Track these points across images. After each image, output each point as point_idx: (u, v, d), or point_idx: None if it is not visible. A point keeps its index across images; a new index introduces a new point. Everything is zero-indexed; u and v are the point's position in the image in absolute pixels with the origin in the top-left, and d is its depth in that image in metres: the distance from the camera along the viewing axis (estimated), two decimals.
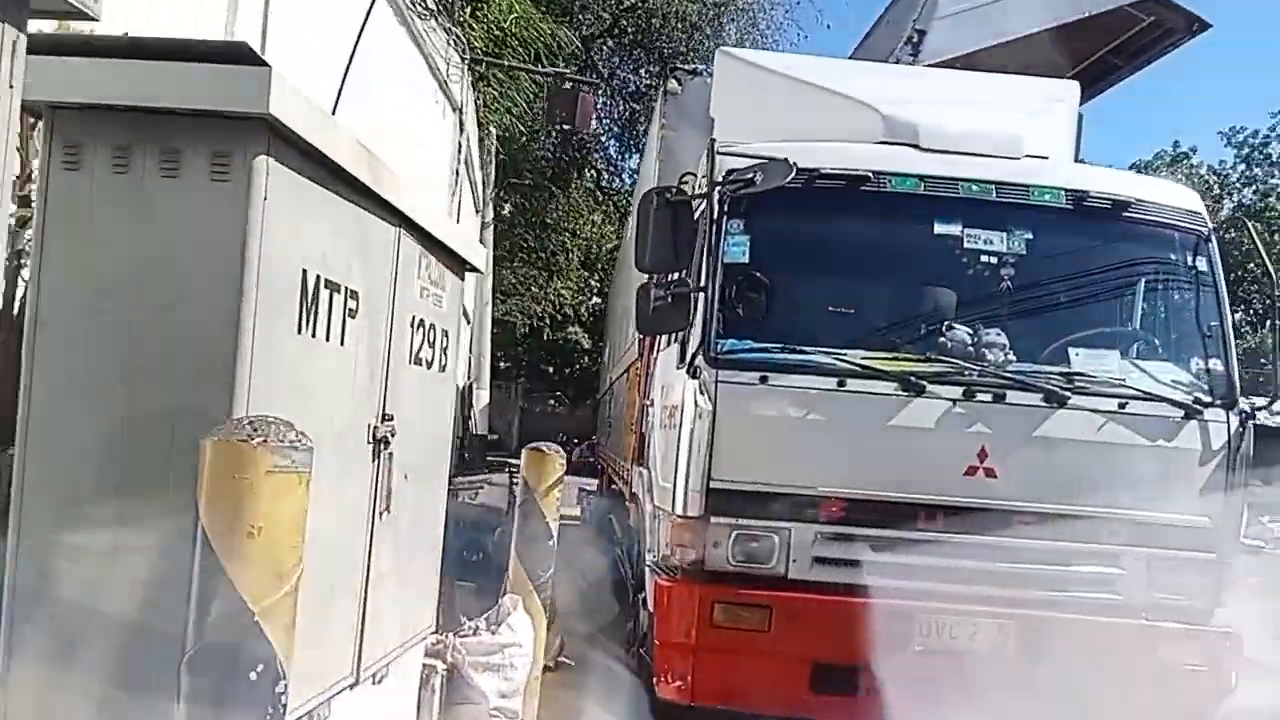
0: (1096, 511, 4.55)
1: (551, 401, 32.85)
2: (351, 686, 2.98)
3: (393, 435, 3.11)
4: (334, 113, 4.32)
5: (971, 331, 4.74)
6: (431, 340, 3.57)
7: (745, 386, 4.54)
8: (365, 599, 3.05)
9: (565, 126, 12.77)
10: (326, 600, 2.73)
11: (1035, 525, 4.48)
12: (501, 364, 34.39)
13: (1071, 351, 4.74)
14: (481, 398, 14.25)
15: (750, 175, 4.43)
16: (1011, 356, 4.72)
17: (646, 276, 4.70)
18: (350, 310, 2.77)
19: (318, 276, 2.56)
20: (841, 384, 4.54)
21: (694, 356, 4.54)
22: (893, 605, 4.36)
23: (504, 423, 35.99)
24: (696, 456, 4.51)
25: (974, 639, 4.42)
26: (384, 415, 3.09)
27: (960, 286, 4.83)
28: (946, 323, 4.77)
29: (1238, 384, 4.76)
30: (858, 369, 4.55)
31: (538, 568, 4.58)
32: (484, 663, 4.05)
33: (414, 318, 3.36)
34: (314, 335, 2.58)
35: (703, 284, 4.57)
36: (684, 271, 4.70)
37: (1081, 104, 6.17)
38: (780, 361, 4.58)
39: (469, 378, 13.73)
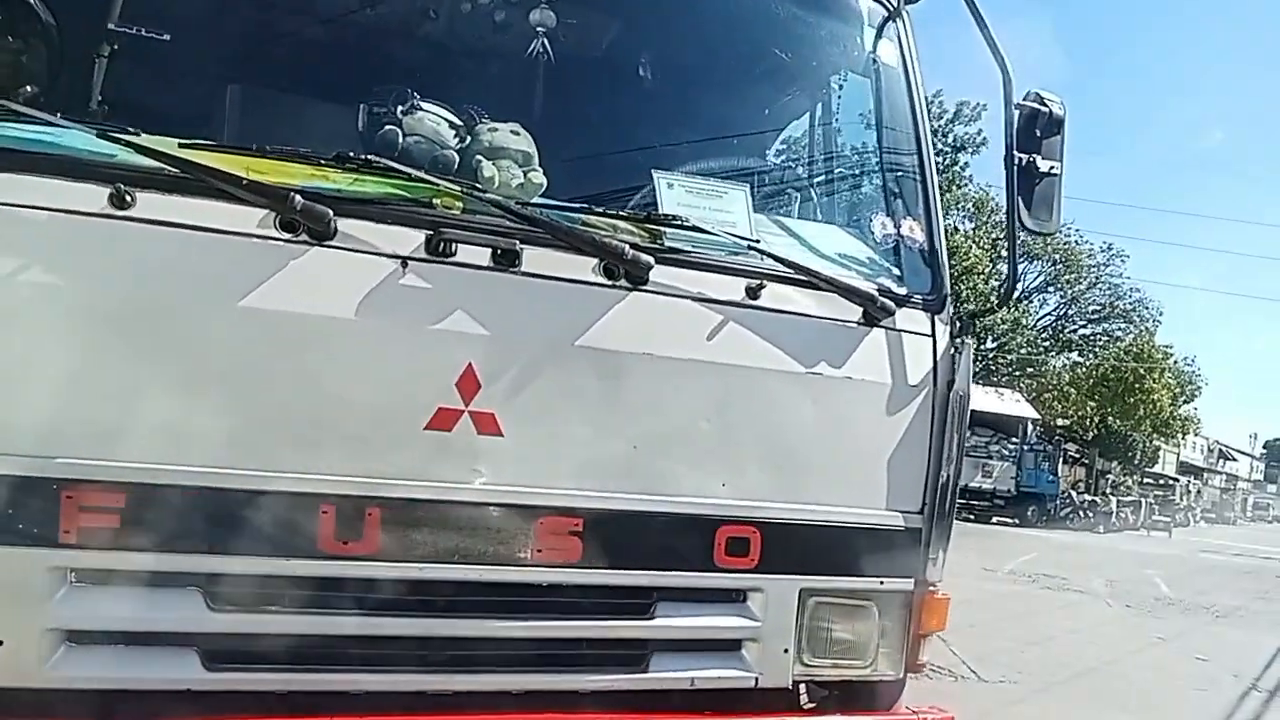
0: (700, 507, 2.27)
1: None
2: None
3: None
4: None
5: (458, 120, 2.22)
6: None
7: None
8: None
9: None
10: None
11: (581, 539, 2.17)
12: None
13: (659, 181, 2.33)
14: None
15: None
16: (538, 177, 2.24)
17: None
18: None
19: None
20: (124, 201, 1.85)
21: None
22: None
23: None
24: None
25: None
26: None
27: (430, 24, 2.35)
28: (401, 97, 2.22)
29: (948, 274, 2.63)
30: (178, 168, 1.88)
31: None
32: None
33: None
34: None
35: None
36: None
37: None
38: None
39: None
